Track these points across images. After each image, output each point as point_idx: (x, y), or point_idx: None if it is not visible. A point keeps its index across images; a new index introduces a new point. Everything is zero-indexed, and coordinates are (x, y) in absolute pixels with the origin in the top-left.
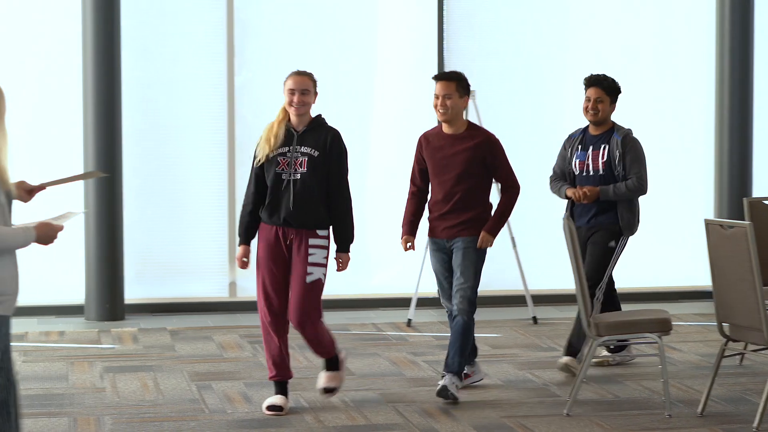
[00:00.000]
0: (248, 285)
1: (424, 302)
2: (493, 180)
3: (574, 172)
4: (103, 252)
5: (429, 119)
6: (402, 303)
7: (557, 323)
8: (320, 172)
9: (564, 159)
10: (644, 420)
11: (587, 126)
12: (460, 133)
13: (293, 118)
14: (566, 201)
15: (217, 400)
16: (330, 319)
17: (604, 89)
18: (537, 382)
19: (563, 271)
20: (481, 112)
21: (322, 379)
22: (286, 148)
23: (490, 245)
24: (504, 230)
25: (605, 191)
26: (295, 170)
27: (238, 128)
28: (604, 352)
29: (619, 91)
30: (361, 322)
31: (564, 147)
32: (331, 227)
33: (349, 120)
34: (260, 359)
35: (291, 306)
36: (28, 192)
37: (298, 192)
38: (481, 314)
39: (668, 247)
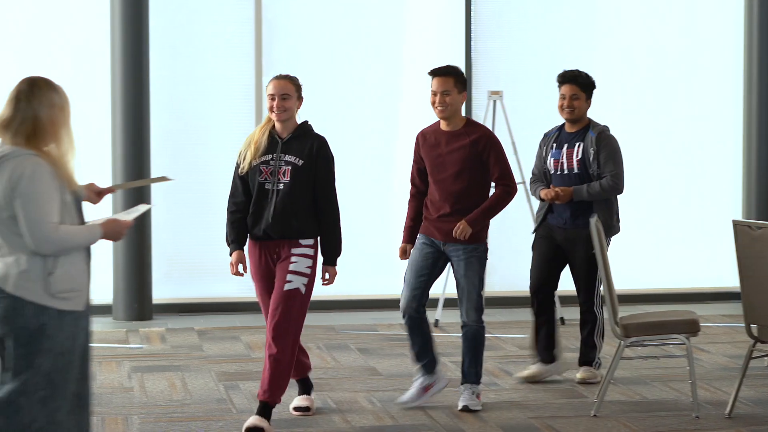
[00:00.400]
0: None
1: (451, 303)
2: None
3: (549, 171)
4: (131, 252)
5: None
6: (429, 304)
7: None
8: (304, 182)
9: (540, 158)
10: (672, 421)
11: (563, 124)
12: (457, 129)
13: (277, 125)
14: (542, 202)
15: (244, 400)
16: (357, 319)
17: (579, 86)
18: (565, 382)
19: None
20: (508, 112)
21: (296, 400)
22: (270, 156)
23: (465, 237)
24: (531, 231)
25: (579, 191)
26: (279, 180)
27: None
28: (580, 374)
29: (594, 87)
30: (388, 322)
31: (540, 146)
32: (318, 238)
33: (376, 121)
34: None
35: (268, 317)
36: (97, 194)
37: (279, 203)
38: (508, 315)
39: (696, 248)
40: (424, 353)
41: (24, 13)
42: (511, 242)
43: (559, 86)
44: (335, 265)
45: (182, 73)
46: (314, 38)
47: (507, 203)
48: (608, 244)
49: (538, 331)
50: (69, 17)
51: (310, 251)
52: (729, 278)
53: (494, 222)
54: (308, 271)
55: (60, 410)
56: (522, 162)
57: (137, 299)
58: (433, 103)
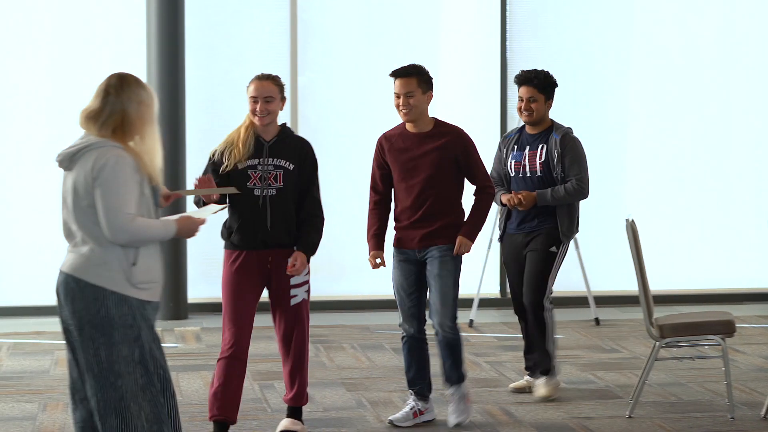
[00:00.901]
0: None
1: (486, 303)
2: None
3: (509, 174)
4: (166, 251)
5: (493, 119)
6: (464, 303)
7: (620, 324)
8: (295, 186)
9: (500, 161)
10: (707, 422)
11: (523, 125)
12: (427, 131)
13: (259, 128)
14: (502, 208)
15: (279, 399)
16: (392, 319)
17: (535, 87)
18: (599, 383)
19: (626, 273)
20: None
21: (284, 423)
22: (256, 161)
23: (468, 251)
24: None
25: (543, 196)
26: (270, 185)
27: (301, 128)
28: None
29: (555, 86)
30: None
31: (499, 148)
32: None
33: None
34: (322, 359)
35: (278, 333)
36: (165, 198)
37: (275, 210)
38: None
39: (732, 249)
40: (421, 378)
41: (60, 13)
42: None
43: (518, 88)
44: (306, 254)
45: (218, 74)
46: (349, 39)
47: (490, 207)
48: (566, 251)
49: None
50: (105, 17)
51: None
52: (765, 279)
53: None
54: (307, 278)
55: (159, 394)
56: None
57: (173, 298)
58: (397, 106)
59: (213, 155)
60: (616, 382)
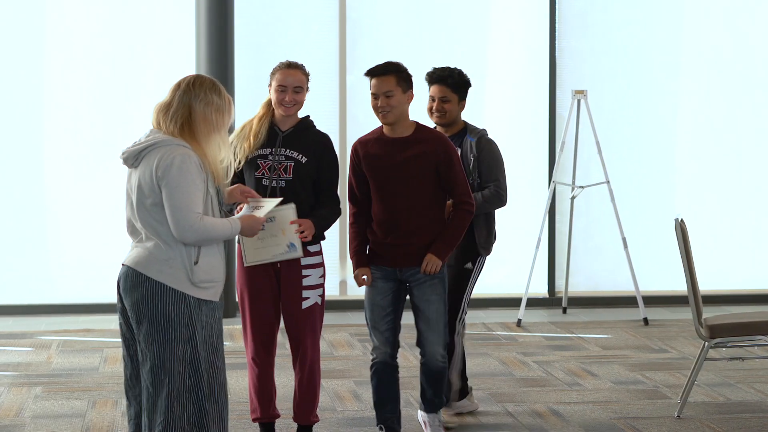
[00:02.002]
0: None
1: (534, 302)
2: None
3: None
4: None
5: (542, 120)
6: (512, 303)
7: (668, 325)
8: (307, 180)
9: None
10: (756, 423)
11: (434, 127)
12: (406, 136)
13: (278, 117)
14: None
15: (327, 398)
16: None
17: (449, 86)
18: (648, 383)
19: (675, 272)
20: (593, 112)
21: None
22: (268, 150)
23: (435, 271)
24: (615, 230)
25: None
26: (279, 176)
27: (350, 127)
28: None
29: (469, 86)
30: (471, 321)
31: None
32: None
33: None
34: (370, 358)
35: (289, 340)
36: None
37: (284, 202)
38: (591, 315)
39: None
40: (392, 412)
41: (110, 14)
42: (594, 240)
43: (428, 86)
44: (316, 227)
45: (266, 74)
46: (398, 38)
47: (468, 224)
48: (483, 264)
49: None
50: (154, 17)
51: (319, 258)
52: None
53: (578, 221)
54: (321, 281)
55: (206, 398)
56: (606, 162)
57: (221, 296)
58: (375, 108)
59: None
60: (665, 382)
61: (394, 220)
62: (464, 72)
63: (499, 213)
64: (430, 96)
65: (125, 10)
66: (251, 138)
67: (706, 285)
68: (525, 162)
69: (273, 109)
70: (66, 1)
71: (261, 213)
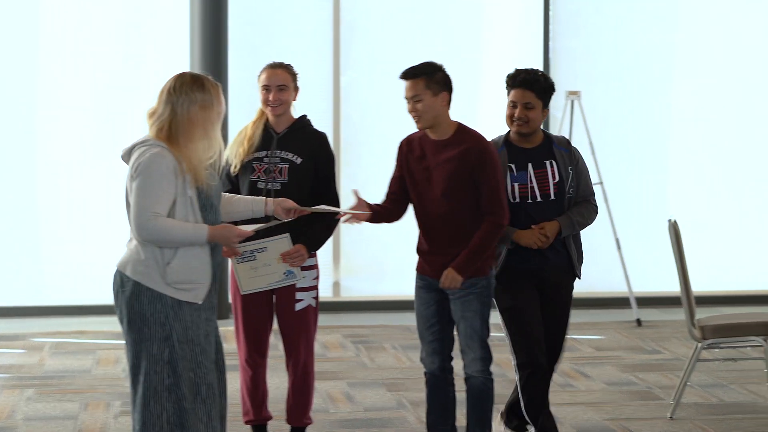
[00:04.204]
0: (352, 285)
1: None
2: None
3: (512, 201)
4: None
5: None
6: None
7: (661, 325)
8: (303, 182)
9: None
10: (749, 424)
11: (507, 135)
12: (445, 138)
13: (271, 119)
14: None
15: (320, 399)
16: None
17: (534, 91)
18: (641, 384)
19: (668, 273)
20: (586, 113)
21: None
22: (263, 153)
23: (456, 286)
24: (608, 231)
25: (567, 224)
26: (274, 179)
27: (344, 128)
28: None
29: (553, 91)
30: None
31: None
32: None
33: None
34: (363, 359)
35: (283, 342)
36: (287, 210)
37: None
38: (584, 316)
39: None
40: (442, 423)
41: (105, 14)
42: (587, 241)
43: (508, 91)
44: (311, 251)
45: None
46: (392, 39)
47: (497, 239)
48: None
49: None
50: (148, 18)
51: (313, 260)
52: None
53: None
54: (315, 283)
55: (185, 398)
56: (599, 163)
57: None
58: (409, 111)
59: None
60: (658, 383)
61: (430, 227)
62: (549, 77)
63: None
64: (511, 101)
65: (119, 11)
66: (245, 143)
67: (699, 286)
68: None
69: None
70: (61, 1)
71: (248, 227)
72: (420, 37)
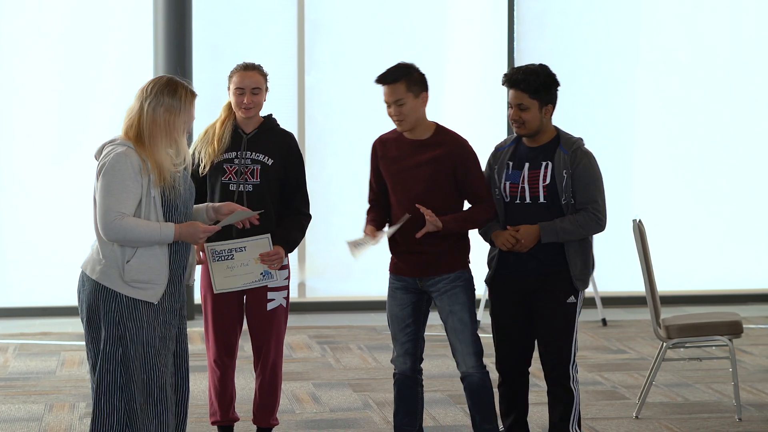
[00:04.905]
0: (318, 286)
1: None
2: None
3: (504, 200)
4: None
5: (499, 119)
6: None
7: (627, 325)
8: (274, 183)
9: (492, 182)
10: (714, 423)
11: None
12: (423, 138)
13: (240, 119)
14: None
15: (285, 400)
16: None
17: (524, 91)
18: (606, 384)
19: (633, 273)
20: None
21: None
22: (233, 154)
23: (432, 229)
24: None
25: (548, 230)
26: (246, 180)
27: (308, 128)
28: None
29: (554, 85)
30: (430, 323)
31: (489, 165)
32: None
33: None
34: (329, 360)
35: (252, 342)
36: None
37: (252, 207)
38: None
39: (740, 250)
40: (409, 425)
41: (68, 13)
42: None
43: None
44: (288, 251)
45: (225, 74)
46: (356, 38)
47: (484, 222)
48: (583, 300)
49: None
50: (111, 18)
51: (285, 260)
52: None
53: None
54: (286, 282)
55: (134, 399)
56: None
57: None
58: (390, 115)
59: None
60: (623, 383)
61: (410, 226)
62: (547, 68)
63: None
64: (508, 102)
65: (83, 10)
66: (215, 142)
67: (664, 286)
68: (483, 164)
69: (234, 112)
70: (25, 1)
71: (220, 224)
72: (385, 37)
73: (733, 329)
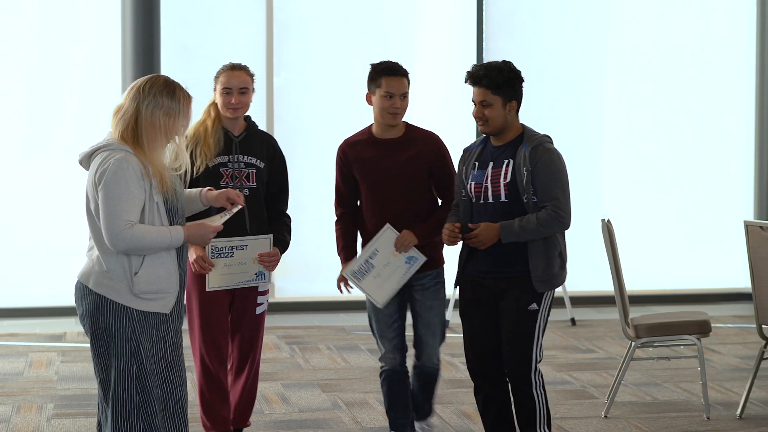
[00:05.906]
0: (286, 286)
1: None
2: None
3: (471, 200)
4: None
5: (469, 120)
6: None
7: (595, 325)
8: (265, 186)
9: (461, 183)
10: (682, 422)
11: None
12: (398, 137)
13: (226, 121)
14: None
15: (273, 400)
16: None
17: (487, 87)
18: (575, 383)
19: (602, 273)
20: (520, 113)
21: None
22: (226, 158)
23: (405, 249)
24: None
25: (508, 230)
26: (242, 185)
27: (277, 129)
28: None
29: (516, 81)
30: None
31: (459, 166)
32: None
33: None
34: (298, 360)
35: (236, 344)
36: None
37: (251, 210)
38: None
39: (708, 249)
40: (404, 417)
41: (36, 12)
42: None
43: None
44: (284, 251)
45: (193, 74)
46: (325, 39)
47: None
48: (551, 301)
49: None
50: (80, 18)
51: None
52: (740, 279)
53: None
54: (268, 286)
55: (156, 416)
56: None
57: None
58: (385, 108)
59: None
60: (592, 382)
61: (391, 224)
62: (510, 64)
63: None
64: (472, 100)
65: (50, 10)
66: (210, 142)
67: (633, 285)
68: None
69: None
70: None
71: (218, 221)
72: (354, 37)
73: (702, 328)
